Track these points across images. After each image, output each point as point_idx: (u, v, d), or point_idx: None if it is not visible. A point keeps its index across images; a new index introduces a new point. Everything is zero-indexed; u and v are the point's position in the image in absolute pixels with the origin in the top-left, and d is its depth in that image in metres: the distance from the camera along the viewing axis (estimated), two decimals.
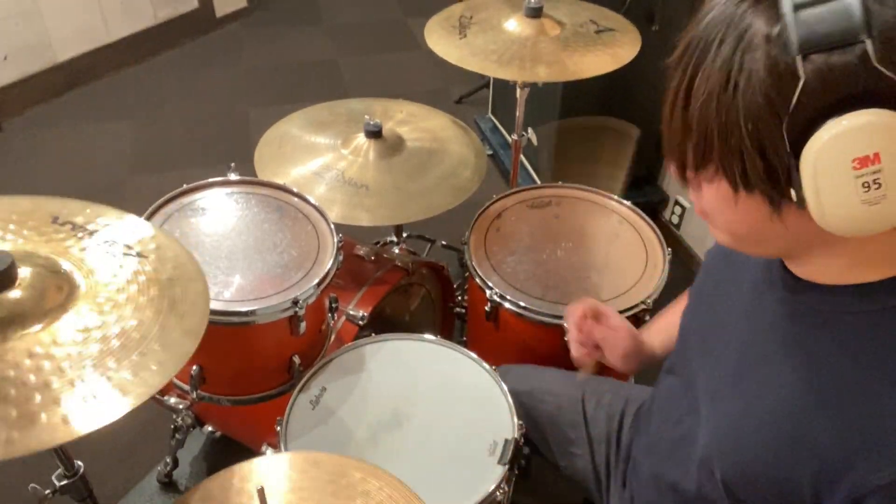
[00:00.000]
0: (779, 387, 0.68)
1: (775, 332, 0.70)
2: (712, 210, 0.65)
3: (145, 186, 2.51)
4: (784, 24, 0.52)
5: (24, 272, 0.80)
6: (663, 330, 1.09)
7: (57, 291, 0.81)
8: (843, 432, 0.61)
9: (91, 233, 0.91)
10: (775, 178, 0.56)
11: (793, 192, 0.55)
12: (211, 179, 1.37)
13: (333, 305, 1.33)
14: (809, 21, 0.52)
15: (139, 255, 0.90)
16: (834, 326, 0.64)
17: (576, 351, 1.11)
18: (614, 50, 1.50)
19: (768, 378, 0.69)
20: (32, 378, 0.71)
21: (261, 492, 0.77)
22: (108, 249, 0.89)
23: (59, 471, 0.92)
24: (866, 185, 0.52)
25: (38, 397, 0.70)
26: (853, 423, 0.61)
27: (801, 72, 0.51)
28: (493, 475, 1.05)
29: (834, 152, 0.52)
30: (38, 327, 0.77)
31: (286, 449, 1.09)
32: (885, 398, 0.60)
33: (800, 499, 0.65)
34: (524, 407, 1.17)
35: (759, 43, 0.54)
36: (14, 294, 0.78)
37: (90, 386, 0.72)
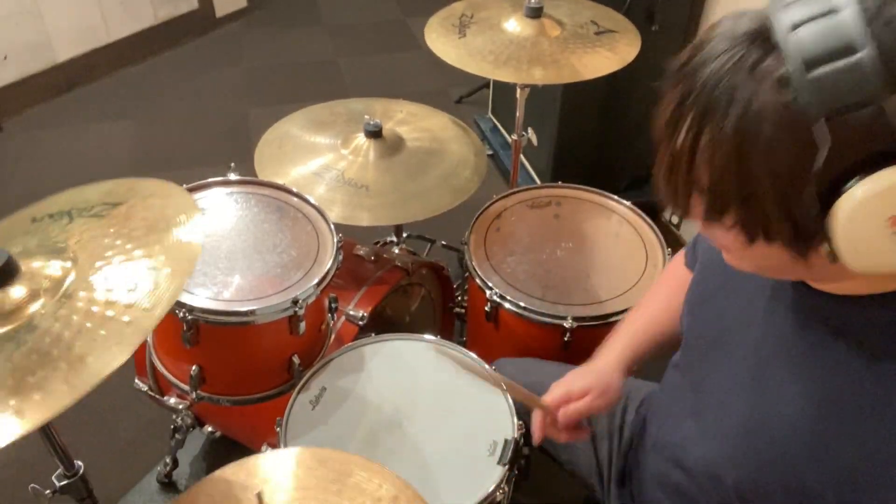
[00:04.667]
0: (794, 397, 0.66)
1: (788, 340, 0.69)
2: (726, 247, 0.64)
3: None
4: (797, 89, 0.50)
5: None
6: (654, 324, 1.03)
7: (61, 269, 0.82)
8: (866, 443, 0.61)
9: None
10: (801, 236, 0.55)
11: (824, 246, 0.54)
12: (211, 179, 1.37)
13: (333, 305, 1.33)
14: (825, 83, 0.49)
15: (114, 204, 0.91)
16: (850, 336, 0.63)
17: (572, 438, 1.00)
18: (612, 52, 1.49)
19: (782, 388, 0.68)
20: (67, 334, 0.74)
21: (259, 496, 0.77)
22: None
23: (59, 471, 0.92)
24: None
25: (77, 346, 0.73)
26: (876, 433, 0.60)
27: (825, 137, 0.50)
28: (493, 475, 1.05)
29: (867, 213, 0.51)
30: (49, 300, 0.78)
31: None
32: None
33: None
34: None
35: (772, 108, 0.51)
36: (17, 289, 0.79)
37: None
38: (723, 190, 0.56)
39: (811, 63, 0.50)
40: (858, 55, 0.49)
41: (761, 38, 0.53)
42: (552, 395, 0.98)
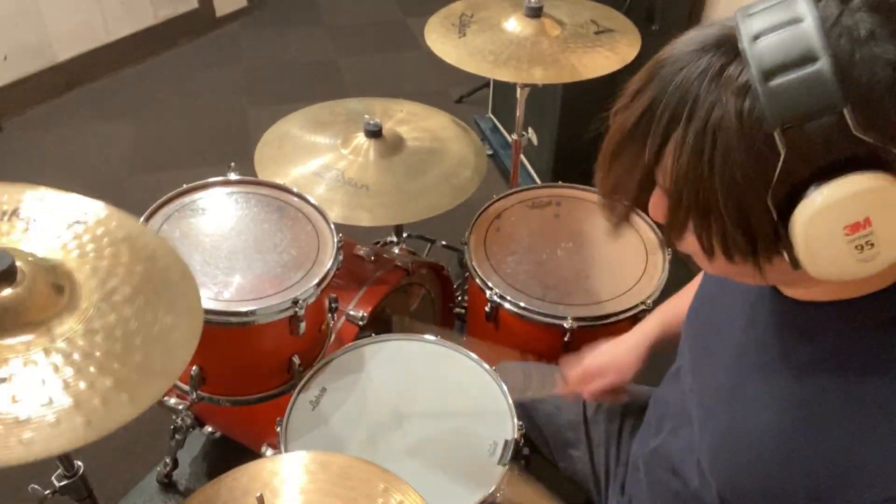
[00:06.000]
0: (768, 402, 0.67)
1: (765, 346, 0.70)
2: (692, 253, 0.64)
3: (145, 186, 2.51)
4: (756, 98, 0.51)
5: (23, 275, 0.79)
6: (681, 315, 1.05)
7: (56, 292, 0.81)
8: (833, 449, 0.61)
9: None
10: (757, 247, 0.56)
11: (784, 254, 0.55)
12: (211, 179, 1.37)
13: (333, 305, 1.33)
14: (782, 93, 0.50)
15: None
16: (819, 342, 0.64)
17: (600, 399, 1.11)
18: (612, 52, 1.49)
19: (758, 393, 0.69)
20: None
21: (260, 499, 0.77)
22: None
23: (59, 471, 0.92)
24: (859, 247, 0.52)
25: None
26: (842, 440, 0.60)
27: (780, 147, 0.50)
28: (492, 476, 1.05)
29: (824, 222, 0.51)
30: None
31: (286, 449, 1.09)
32: (872, 415, 0.59)
33: None
34: (522, 405, 1.17)
35: (731, 120, 0.52)
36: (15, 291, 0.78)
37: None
38: (681, 202, 0.57)
39: (770, 72, 0.51)
40: (816, 65, 0.49)
41: (728, 45, 0.54)
42: (571, 378, 1.10)
